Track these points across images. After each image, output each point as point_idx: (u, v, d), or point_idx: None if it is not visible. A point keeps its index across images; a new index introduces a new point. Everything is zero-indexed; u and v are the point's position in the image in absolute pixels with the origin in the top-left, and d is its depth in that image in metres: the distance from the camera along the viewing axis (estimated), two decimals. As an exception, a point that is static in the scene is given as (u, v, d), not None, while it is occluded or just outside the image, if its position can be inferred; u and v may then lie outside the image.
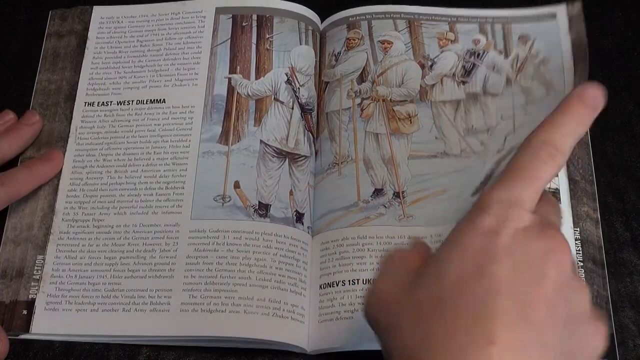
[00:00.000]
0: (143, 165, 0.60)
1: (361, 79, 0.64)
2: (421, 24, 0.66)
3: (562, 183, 0.61)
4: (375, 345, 0.38)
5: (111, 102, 0.63)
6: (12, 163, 0.61)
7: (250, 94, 0.63)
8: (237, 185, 0.59)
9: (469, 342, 0.32)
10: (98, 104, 0.63)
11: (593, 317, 0.37)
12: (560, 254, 0.35)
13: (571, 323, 0.34)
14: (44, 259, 0.57)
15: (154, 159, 0.60)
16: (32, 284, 0.56)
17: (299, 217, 0.59)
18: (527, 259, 0.34)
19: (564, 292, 0.34)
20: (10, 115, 0.62)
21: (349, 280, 0.56)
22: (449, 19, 0.67)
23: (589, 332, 0.37)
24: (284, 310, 0.54)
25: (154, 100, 0.63)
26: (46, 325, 0.55)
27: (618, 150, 0.64)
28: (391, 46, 0.65)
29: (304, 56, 0.65)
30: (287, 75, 0.64)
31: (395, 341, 0.35)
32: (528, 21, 0.65)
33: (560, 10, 0.64)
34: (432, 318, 0.34)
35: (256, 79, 0.64)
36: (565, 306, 0.34)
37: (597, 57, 0.69)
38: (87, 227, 0.58)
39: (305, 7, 0.67)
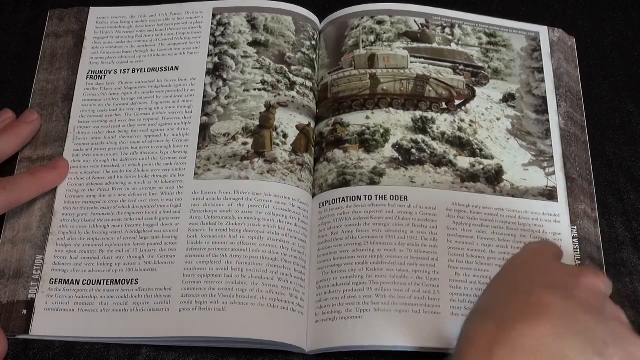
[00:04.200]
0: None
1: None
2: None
3: (559, 181, 0.61)
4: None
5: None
6: (10, 161, 0.61)
7: None
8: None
9: None
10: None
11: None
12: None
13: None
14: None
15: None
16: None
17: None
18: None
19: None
20: (8, 114, 0.62)
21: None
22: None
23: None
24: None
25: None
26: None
27: (618, 150, 0.64)
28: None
29: None
30: None
31: None
32: None
33: None
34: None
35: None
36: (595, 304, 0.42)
37: (597, 57, 0.69)
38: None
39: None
